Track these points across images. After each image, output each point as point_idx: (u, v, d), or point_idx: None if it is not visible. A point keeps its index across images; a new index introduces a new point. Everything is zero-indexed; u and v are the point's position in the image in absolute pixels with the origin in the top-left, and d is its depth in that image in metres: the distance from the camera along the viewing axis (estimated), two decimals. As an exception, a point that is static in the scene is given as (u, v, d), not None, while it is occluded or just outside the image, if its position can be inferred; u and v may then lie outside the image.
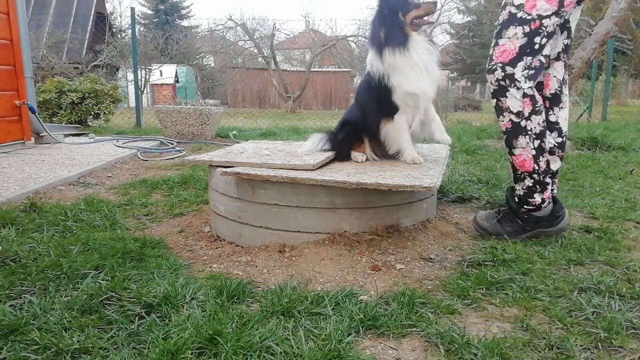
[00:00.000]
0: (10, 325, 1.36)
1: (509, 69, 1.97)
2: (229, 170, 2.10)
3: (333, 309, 1.49)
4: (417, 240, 2.11)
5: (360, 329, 1.40)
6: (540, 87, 2.22)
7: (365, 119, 2.41)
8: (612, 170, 3.73)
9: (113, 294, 1.56)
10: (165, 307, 1.48)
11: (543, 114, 2.05)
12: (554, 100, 2.20)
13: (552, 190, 2.24)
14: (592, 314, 1.46)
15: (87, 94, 7.26)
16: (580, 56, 4.81)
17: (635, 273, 1.78)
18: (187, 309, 1.48)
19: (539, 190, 2.10)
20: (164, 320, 1.42)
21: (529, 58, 1.97)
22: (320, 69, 22.69)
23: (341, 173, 2.07)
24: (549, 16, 1.94)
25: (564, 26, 2.13)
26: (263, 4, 46.33)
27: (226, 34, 21.58)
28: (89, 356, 1.25)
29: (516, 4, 1.97)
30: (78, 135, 6.17)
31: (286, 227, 2.06)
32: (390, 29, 2.23)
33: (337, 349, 1.26)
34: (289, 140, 3.41)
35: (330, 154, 2.42)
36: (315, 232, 2.04)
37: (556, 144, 2.22)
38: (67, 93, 7.13)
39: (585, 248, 2.02)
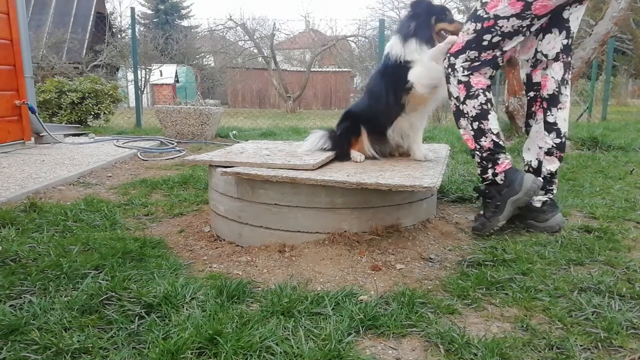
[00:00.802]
0: (10, 325, 1.36)
1: (452, 59, 2.17)
2: (229, 170, 2.10)
3: (333, 309, 1.49)
4: (417, 240, 2.11)
5: (360, 329, 1.40)
6: (537, 88, 2.24)
7: (371, 106, 2.43)
8: (612, 170, 3.73)
9: (113, 294, 1.56)
10: (165, 307, 1.48)
11: (481, 97, 2.16)
12: (552, 101, 2.21)
13: (550, 190, 2.26)
14: (592, 314, 1.46)
15: (87, 94, 7.26)
16: (580, 56, 4.81)
17: (635, 273, 1.78)
18: (187, 309, 1.48)
19: (489, 166, 2.21)
20: (164, 320, 1.42)
21: (473, 52, 2.12)
22: (320, 69, 22.68)
23: (341, 173, 2.07)
24: (507, 17, 2.02)
25: (563, 25, 2.14)
26: (263, 4, 46.36)
27: (226, 34, 21.59)
28: (89, 356, 1.25)
29: (482, 2, 2.09)
30: (78, 135, 6.17)
31: (286, 227, 2.06)
32: (420, 26, 2.29)
33: (337, 349, 1.26)
34: (289, 140, 3.41)
35: (330, 153, 2.42)
36: (315, 232, 2.04)
37: (554, 145, 2.23)
38: (67, 93, 7.13)
39: (585, 248, 2.02)
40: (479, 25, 2.07)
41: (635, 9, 12.27)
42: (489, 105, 2.17)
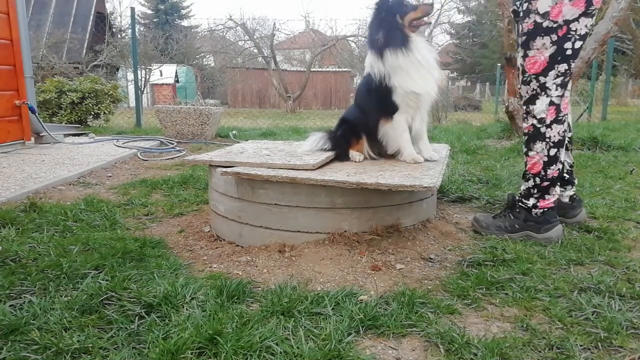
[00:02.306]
0: (10, 325, 1.36)
1: (541, 79, 2.04)
2: (229, 170, 2.10)
3: (333, 309, 1.49)
4: (417, 240, 2.11)
5: (360, 329, 1.40)
6: None
7: (364, 118, 2.42)
8: (612, 170, 3.73)
9: (113, 294, 1.56)
10: (165, 307, 1.48)
11: (565, 124, 2.08)
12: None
13: (563, 193, 2.30)
14: (592, 314, 1.46)
15: (87, 94, 7.26)
16: (580, 56, 4.80)
17: (635, 273, 1.78)
18: (187, 309, 1.48)
19: (535, 195, 2.15)
20: (164, 320, 1.42)
21: (562, 65, 2.01)
22: (320, 69, 22.69)
23: (341, 173, 2.07)
24: (576, 19, 1.95)
25: None
26: (263, 4, 46.44)
27: (226, 34, 21.61)
28: (89, 356, 1.25)
29: (541, 13, 1.97)
30: (78, 135, 6.17)
31: (286, 227, 2.06)
32: (389, 31, 2.23)
33: (337, 349, 1.26)
34: (289, 140, 3.41)
35: (330, 153, 2.42)
36: (315, 232, 2.04)
37: (568, 139, 2.30)
38: (67, 93, 7.13)
39: (585, 248, 2.02)
40: (553, 37, 1.97)
41: (635, 9, 12.27)
42: (566, 133, 2.12)
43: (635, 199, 2.84)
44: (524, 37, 2.05)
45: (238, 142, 4.85)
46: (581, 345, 1.32)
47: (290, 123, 9.97)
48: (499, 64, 16.74)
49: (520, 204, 2.20)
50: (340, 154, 2.44)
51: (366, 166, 2.28)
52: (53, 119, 7.10)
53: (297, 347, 1.27)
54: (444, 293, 1.66)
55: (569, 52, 1.99)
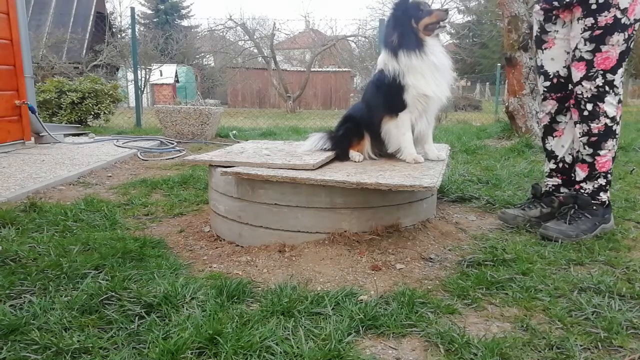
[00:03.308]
0: (10, 325, 1.36)
1: (609, 76, 2.02)
2: (229, 170, 2.10)
3: (333, 308, 1.49)
4: (417, 240, 2.11)
5: (360, 328, 1.40)
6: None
7: (369, 115, 2.42)
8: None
9: (113, 293, 1.56)
10: (165, 307, 1.48)
11: None
12: None
13: None
14: (592, 314, 1.46)
15: (87, 94, 7.26)
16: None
17: (635, 273, 1.78)
18: (187, 309, 1.48)
19: (605, 188, 2.19)
20: (164, 320, 1.42)
21: (624, 63, 2.02)
22: (320, 69, 22.69)
23: (341, 173, 2.07)
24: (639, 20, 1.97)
25: None
26: (263, 4, 46.47)
27: (226, 33, 21.59)
28: (89, 356, 1.25)
29: (621, 8, 1.96)
30: (78, 135, 6.17)
31: (286, 227, 2.06)
32: (403, 34, 2.25)
33: (337, 349, 1.26)
34: (289, 140, 3.41)
35: (330, 153, 2.42)
36: (315, 232, 2.04)
37: None
38: (67, 93, 7.13)
39: (585, 248, 2.02)
40: (625, 34, 1.96)
41: (635, 9, 12.22)
42: None
43: (635, 199, 2.83)
44: (599, 31, 1.99)
45: (238, 142, 4.85)
46: (581, 345, 1.32)
47: (290, 123, 9.97)
48: (499, 64, 16.74)
49: (594, 201, 2.19)
50: (341, 153, 2.44)
51: (366, 166, 2.28)
52: (53, 119, 7.10)
53: (297, 347, 1.27)
54: (444, 293, 1.66)
55: (628, 51, 2.00)
